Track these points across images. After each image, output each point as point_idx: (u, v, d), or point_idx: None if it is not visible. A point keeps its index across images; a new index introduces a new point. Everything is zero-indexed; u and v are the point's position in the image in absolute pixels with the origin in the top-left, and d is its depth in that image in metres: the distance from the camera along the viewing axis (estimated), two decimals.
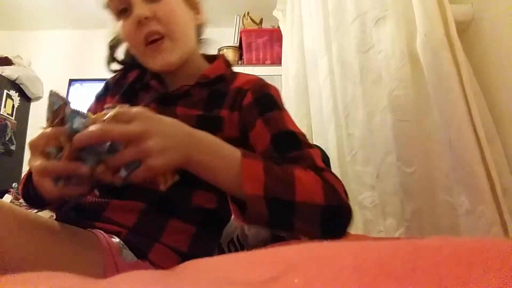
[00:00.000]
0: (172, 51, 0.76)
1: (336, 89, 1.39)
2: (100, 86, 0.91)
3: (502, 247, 0.19)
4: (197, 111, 0.76)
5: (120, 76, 0.91)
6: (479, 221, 0.73)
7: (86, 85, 3.23)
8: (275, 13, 2.48)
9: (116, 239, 0.63)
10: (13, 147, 3.22)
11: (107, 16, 0.79)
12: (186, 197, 0.70)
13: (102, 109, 0.82)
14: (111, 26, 0.85)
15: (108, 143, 0.47)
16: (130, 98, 0.83)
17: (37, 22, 3.49)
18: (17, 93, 3.25)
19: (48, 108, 0.50)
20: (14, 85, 3.21)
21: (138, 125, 0.48)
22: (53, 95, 0.50)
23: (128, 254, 0.62)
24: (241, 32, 2.83)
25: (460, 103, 0.76)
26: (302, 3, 1.96)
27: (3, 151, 3.09)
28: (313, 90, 1.73)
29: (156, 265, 0.65)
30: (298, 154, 0.65)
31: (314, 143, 1.68)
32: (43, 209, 0.77)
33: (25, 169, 3.24)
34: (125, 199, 0.69)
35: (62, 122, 0.49)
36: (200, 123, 0.68)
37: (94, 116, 0.50)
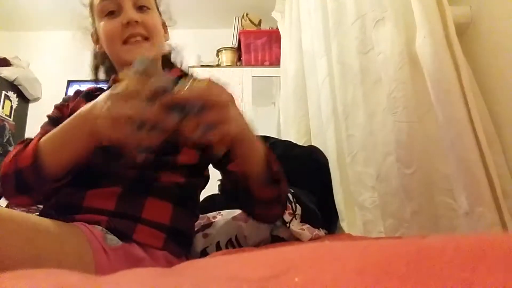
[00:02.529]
0: (150, 49, 0.86)
1: (335, 90, 1.38)
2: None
3: (505, 246, 0.19)
4: None
5: (91, 90, 1.04)
6: (478, 222, 0.73)
7: (85, 86, 3.21)
8: (274, 14, 2.48)
9: (98, 228, 0.68)
10: (11, 149, 3.20)
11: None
12: (156, 176, 0.77)
13: (66, 112, 0.96)
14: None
15: (198, 105, 0.55)
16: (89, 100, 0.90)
17: (35, 23, 3.48)
18: (15, 94, 3.24)
19: (136, 69, 0.59)
20: (13, 86, 3.19)
21: (228, 95, 0.60)
22: (141, 61, 0.60)
23: (113, 239, 0.67)
24: (239, 33, 2.83)
25: (459, 105, 0.76)
26: (300, 4, 1.96)
27: (1, 152, 3.07)
28: (311, 91, 1.73)
29: (142, 245, 0.70)
30: None
31: (312, 144, 1.69)
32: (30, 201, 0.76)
33: None
34: (100, 187, 0.74)
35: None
36: None
37: (184, 83, 0.57)
